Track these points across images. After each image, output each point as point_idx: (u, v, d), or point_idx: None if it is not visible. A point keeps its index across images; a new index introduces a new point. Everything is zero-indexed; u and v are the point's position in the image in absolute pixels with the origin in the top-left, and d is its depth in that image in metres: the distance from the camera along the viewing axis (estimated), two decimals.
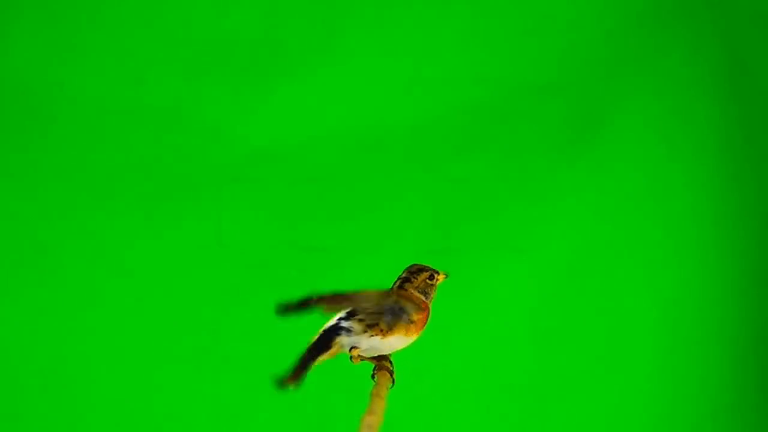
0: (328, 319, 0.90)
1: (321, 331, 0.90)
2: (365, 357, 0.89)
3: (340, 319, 0.89)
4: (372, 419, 0.77)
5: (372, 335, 0.87)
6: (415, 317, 0.88)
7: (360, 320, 0.87)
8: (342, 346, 0.88)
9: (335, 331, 0.88)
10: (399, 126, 1.53)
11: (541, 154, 1.54)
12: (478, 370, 1.53)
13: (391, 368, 0.90)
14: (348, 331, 0.88)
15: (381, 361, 0.90)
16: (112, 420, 1.47)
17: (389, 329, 0.87)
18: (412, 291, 0.91)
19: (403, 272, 0.92)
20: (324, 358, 0.89)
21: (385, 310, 0.87)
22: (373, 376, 0.90)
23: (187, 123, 1.51)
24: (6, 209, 1.48)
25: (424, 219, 1.53)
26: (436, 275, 0.93)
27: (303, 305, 0.87)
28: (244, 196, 1.52)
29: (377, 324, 0.87)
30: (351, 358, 0.89)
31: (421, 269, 0.92)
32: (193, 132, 1.51)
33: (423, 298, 0.91)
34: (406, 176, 1.53)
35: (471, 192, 1.53)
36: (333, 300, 0.86)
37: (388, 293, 0.89)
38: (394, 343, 0.88)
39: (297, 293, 1.50)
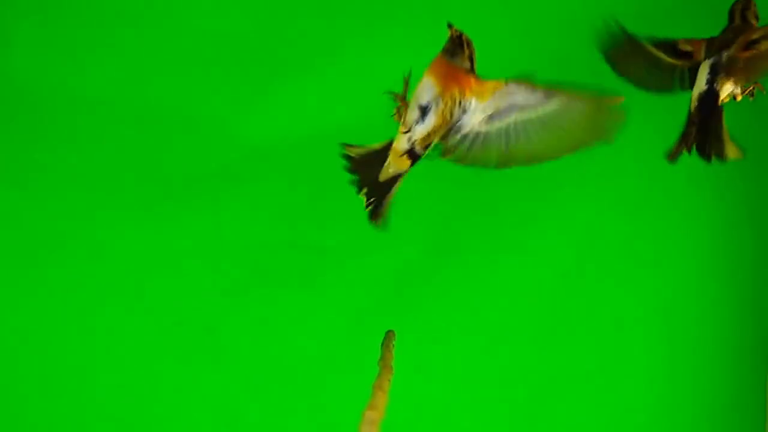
0: None
1: None
2: None
3: None
4: (373, 414, 0.77)
5: None
6: None
7: None
8: None
9: None
10: (398, 126, 1.53)
11: None
12: (479, 368, 1.53)
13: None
14: None
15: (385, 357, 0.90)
16: (112, 419, 1.47)
17: None
18: None
19: None
20: None
21: None
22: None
23: (187, 123, 1.51)
24: (6, 209, 1.48)
25: (424, 219, 1.53)
26: None
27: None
28: (244, 196, 1.52)
29: None
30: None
31: None
32: (193, 132, 1.51)
33: None
34: (406, 176, 1.53)
35: (471, 192, 1.53)
36: None
37: None
38: None
39: (297, 293, 1.52)
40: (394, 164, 1.15)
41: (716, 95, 1.14)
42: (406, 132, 1.11)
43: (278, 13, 1.52)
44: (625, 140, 1.56)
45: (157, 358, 1.49)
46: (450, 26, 1.15)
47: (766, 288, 1.57)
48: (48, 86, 1.50)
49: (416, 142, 1.12)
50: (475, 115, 1.11)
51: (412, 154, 1.13)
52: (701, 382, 1.54)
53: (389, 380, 0.86)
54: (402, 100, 1.13)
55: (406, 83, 1.14)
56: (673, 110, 1.57)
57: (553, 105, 1.09)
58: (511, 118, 1.11)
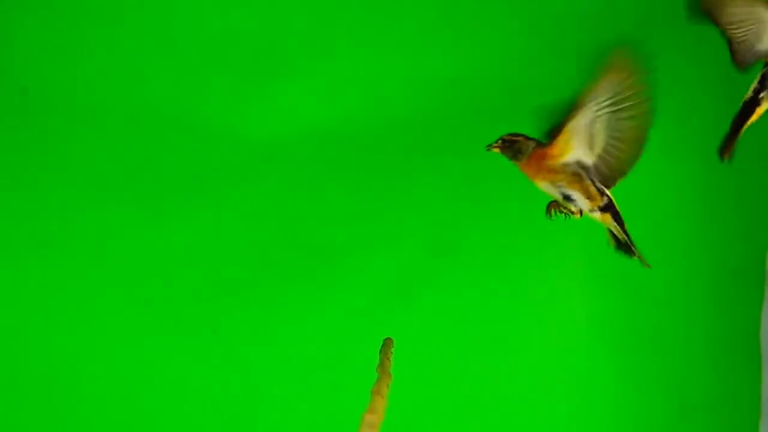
0: None
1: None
2: None
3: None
4: (373, 418, 0.77)
5: None
6: None
7: None
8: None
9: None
10: (399, 124, 1.53)
11: None
12: (479, 369, 1.53)
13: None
14: None
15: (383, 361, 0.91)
16: (112, 418, 1.47)
17: None
18: None
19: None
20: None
21: None
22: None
23: (186, 122, 1.51)
24: (6, 209, 1.48)
25: (424, 219, 1.53)
26: None
27: None
28: (244, 196, 1.52)
29: None
30: None
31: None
32: (193, 131, 1.51)
33: None
34: (407, 175, 1.54)
35: (472, 191, 1.53)
36: None
37: None
38: None
39: (297, 293, 1.52)
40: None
41: (756, 105, 1.12)
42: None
43: (278, 12, 1.52)
44: None
45: (157, 357, 1.49)
46: (489, 148, 1.19)
47: (756, 286, 1.57)
48: (47, 85, 1.50)
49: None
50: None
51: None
52: (697, 380, 1.55)
53: (388, 386, 0.87)
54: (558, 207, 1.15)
55: None
56: (672, 109, 1.57)
57: None
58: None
